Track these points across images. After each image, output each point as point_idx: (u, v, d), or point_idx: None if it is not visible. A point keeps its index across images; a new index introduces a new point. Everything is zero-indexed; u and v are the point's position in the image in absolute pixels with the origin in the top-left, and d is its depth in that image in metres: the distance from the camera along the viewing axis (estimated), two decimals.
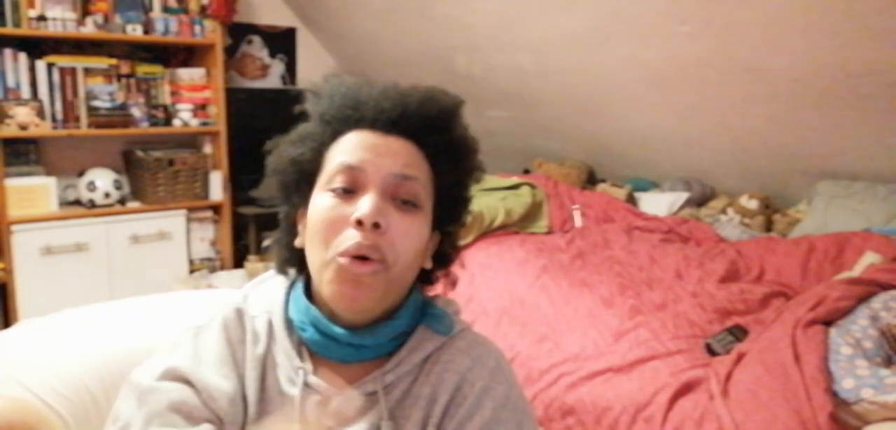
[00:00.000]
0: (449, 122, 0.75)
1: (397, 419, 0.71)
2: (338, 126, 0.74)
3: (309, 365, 0.74)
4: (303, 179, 0.75)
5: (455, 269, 0.82)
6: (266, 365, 0.75)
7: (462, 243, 0.85)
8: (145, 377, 0.72)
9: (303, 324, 0.74)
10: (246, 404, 0.73)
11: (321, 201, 0.71)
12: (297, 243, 0.76)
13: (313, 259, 0.71)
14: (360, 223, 0.67)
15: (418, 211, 0.71)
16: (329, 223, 0.69)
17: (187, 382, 0.71)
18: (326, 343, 0.73)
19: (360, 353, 0.73)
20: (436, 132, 0.74)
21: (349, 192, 0.70)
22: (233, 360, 0.75)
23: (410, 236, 0.70)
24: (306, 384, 0.73)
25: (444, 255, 0.80)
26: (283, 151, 0.76)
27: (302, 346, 0.76)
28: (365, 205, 0.67)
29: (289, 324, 0.77)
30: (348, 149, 0.71)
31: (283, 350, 0.75)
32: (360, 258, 0.67)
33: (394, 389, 0.73)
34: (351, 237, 0.67)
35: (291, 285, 0.80)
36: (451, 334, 0.76)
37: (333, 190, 0.70)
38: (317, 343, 0.74)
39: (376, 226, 0.67)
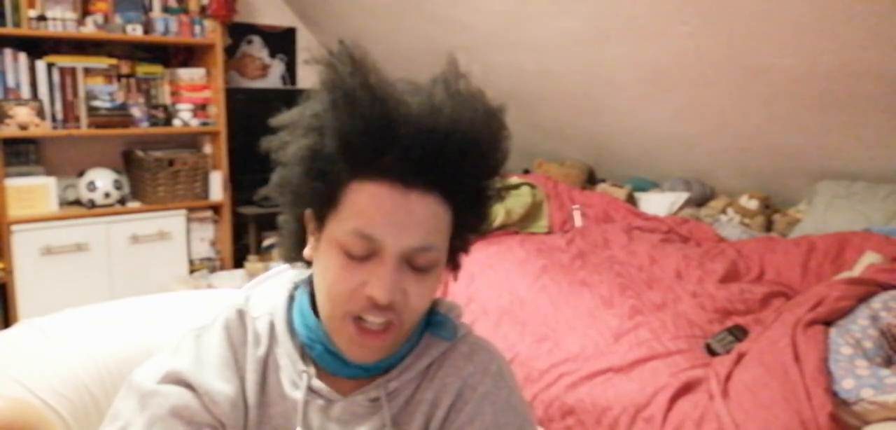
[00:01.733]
0: (483, 163, 0.68)
1: (400, 424, 0.71)
2: (359, 166, 0.65)
3: (312, 369, 0.74)
4: (313, 204, 0.70)
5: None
6: (267, 367, 0.75)
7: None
8: (146, 380, 0.71)
9: (311, 341, 0.73)
10: (246, 407, 0.73)
11: (334, 260, 0.66)
12: (307, 253, 0.73)
13: (323, 305, 0.70)
14: (374, 301, 0.64)
15: (434, 269, 0.68)
16: (342, 290, 0.66)
17: (188, 386, 0.70)
18: (334, 362, 0.72)
19: (368, 372, 0.73)
20: (466, 182, 0.67)
21: (365, 256, 0.66)
22: (235, 362, 0.74)
23: (425, 297, 0.68)
24: (310, 388, 0.73)
25: (453, 261, 0.77)
26: (293, 172, 0.69)
27: (304, 348, 0.75)
28: (381, 284, 0.63)
29: (291, 327, 0.76)
30: (366, 211, 0.64)
31: (286, 353, 0.75)
32: (373, 329, 0.66)
33: (397, 395, 0.72)
34: (362, 308, 0.65)
35: (295, 289, 0.79)
36: (454, 339, 0.76)
37: (348, 252, 0.66)
38: (324, 360, 0.73)
39: (390, 302, 0.65)
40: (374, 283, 0.64)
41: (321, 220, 0.68)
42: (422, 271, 0.67)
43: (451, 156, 0.64)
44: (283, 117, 0.71)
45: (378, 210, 0.64)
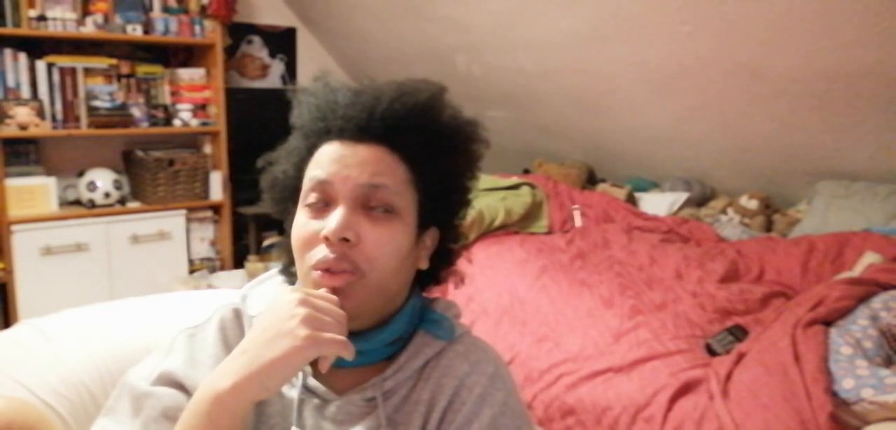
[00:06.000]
0: (423, 117, 0.72)
1: (396, 424, 0.71)
2: (313, 139, 0.74)
3: (308, 368, 0.73)
4: (288, 196, 0.75)
5: (462, 264, 0.81)
6: None
7: (465, 239, 0.82)
8: (140, 381, 0.72)
9: None
10: None
11: (298, 218, 0.71)
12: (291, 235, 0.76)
13: (297, 269, 0.72)
14: (327, 240, 0.67)
15: (394, 217, 0.70)
16: (303, 240, 0.69)
17: (181, 386, 0.70)
18: None
19: (357, 358, 0.72)
20: (408, 132, 0.71)
21: (323, 206, 0.70)
22: None
23: (385, 245, 0.69)
24: (305, 387, 0.72)
25: (445, 252, 0.78)
26: (271, 169, 0.78)
27: None
28: (332, 220, 0.67)
29: None
30: (320, 163, 0.71)
31: None
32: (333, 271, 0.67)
33: (393, 395, 0.72)
34: (321, 251, 0.67)
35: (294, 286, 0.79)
36: (450, 338, 0.75)
37: (308, 206, 0.71)
38: None
39: (345, 240, 0.66)
40: (327, 223, 0.67)
41: (295, 206, 0.73)
42: (378, 215, 0.69)
43: (388, 106, 0.71)
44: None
45: (329, 159, 0.71)
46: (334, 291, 0.67)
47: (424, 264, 0.76)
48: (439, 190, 0.74)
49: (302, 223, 0.70)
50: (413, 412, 0.71)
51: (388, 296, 0.72)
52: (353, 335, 0.70)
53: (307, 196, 0.71)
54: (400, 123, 0.71)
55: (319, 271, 0.67)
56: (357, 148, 0.70)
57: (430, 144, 0.72)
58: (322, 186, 0.70)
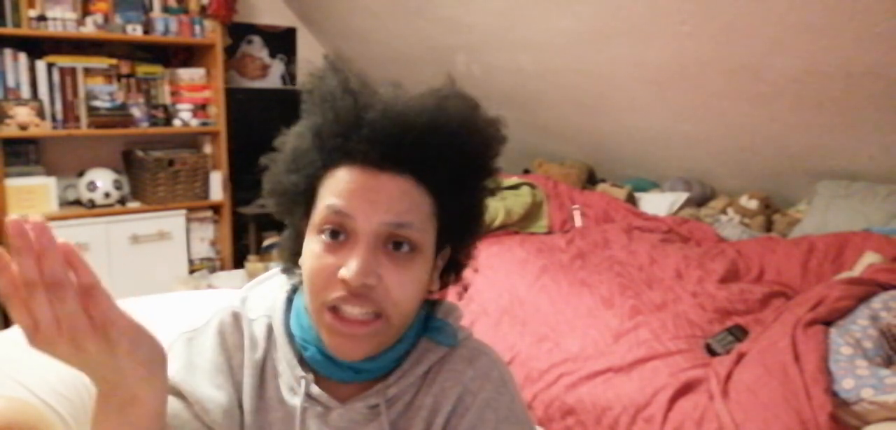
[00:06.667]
0: (455, 147, 0.66)
1: None
2: (330, 154, 0.66)
3: (311, 375, 0.72)
4: (298, 205, 0.70)
5: (468, 273, 0.78)
6: (265, 372, 0.73)
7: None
8: None
9: (305, 342, 0.71)
10: (242, 413, 0.71)
11: (312, 246, 0.66)
12: (301, 260, 0.71)
13: (306, 298, 0.68)
14: (346, 282, 0.62)
15: (417, 255, 0.65)
16: (317, 273, 0.64)
17: (179, 394, 0.69)
18: (327, 364, 0.70)
19: (360, 375, 0.71)
20: (438, 165, 0.65)
21: (339, 235, 0.64)
22: (228, 368, 0.72)
23: (408, 286, 0.65)
24: (308, 395, 0.71)
25: (455, 264, 0.75)
26: (278, 172, 0.71)
27: (299, 349, 0.73)
28: (353, 264, 0.61)
29: (289, 330, 0.74)
30: (338, 191, 0.64)
31: (285, 358, 0.73)
32: (352, 318, 0.64)
33: (396, 401, 0.71)
34: (338, 297, 0.63)
35: (294, 291, 0.77)
36: (453, 343, 0.74)
37: (323, 235, 0.65)
38: (317, 362, 0.71)
39: (365, 285, 0.62)
40: (347, 264, 0.62)
41: (307, 217, 0.68)
42: (400, 255, 0.64)
43: (419, 134, 0.64)
44: (281, 138, 0.73)
45: (349, 188, 0.64)
46: (350, 335, 0.64)
47: (435, 287, 0.73)
48: (461, 219, 0.71)
49: (316, 254, 0.65)
50: (416, 417, 0.70)
51: (402, 330, 0.69)
52: (363, 361, 0.68)
53: (322, 224, 0.65)
54: (431, 154, 0.65)
55: (336, 318, 0.64)
56: (381, 178, 0.64)
57: (460, 174, 0.67)
58: (341, 218, 0.64)
